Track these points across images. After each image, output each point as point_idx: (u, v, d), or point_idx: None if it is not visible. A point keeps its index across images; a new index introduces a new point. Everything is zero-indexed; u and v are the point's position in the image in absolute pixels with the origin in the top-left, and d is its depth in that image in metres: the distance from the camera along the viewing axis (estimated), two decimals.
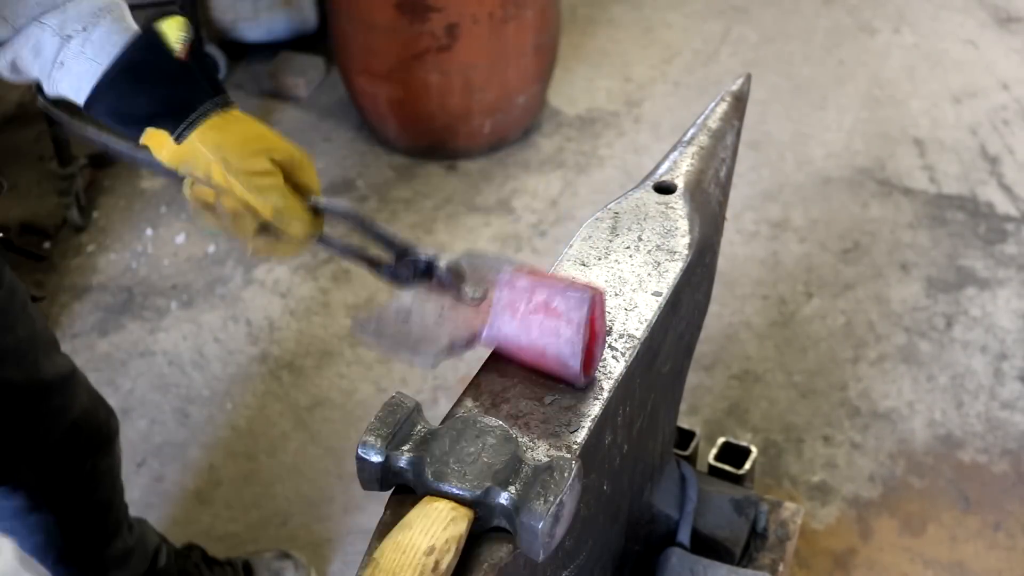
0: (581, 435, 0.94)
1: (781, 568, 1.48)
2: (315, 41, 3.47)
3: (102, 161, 3.06)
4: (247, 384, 2.41)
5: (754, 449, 1.62)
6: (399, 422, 0.90)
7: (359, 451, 0.88)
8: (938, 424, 2.25)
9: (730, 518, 1.46)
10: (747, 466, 1.60)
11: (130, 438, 2.30)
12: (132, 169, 3.06)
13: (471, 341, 1.02)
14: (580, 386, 0.98)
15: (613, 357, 1.02)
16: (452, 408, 0.97)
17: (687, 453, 1.58)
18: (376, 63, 2.92)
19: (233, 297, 2.63)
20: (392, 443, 0.88)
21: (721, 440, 1.66)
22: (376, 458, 0.88)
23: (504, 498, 0.84)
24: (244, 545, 2.08)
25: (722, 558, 1.41)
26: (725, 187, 1.30)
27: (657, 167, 1.24)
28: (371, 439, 0.88)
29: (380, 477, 0.89)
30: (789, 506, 1.57)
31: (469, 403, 0.98)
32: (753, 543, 1.49)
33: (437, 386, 2.38)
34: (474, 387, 1.00)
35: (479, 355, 1.32)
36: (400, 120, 3.02)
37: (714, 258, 1.30)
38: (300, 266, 2.71)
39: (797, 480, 2.15)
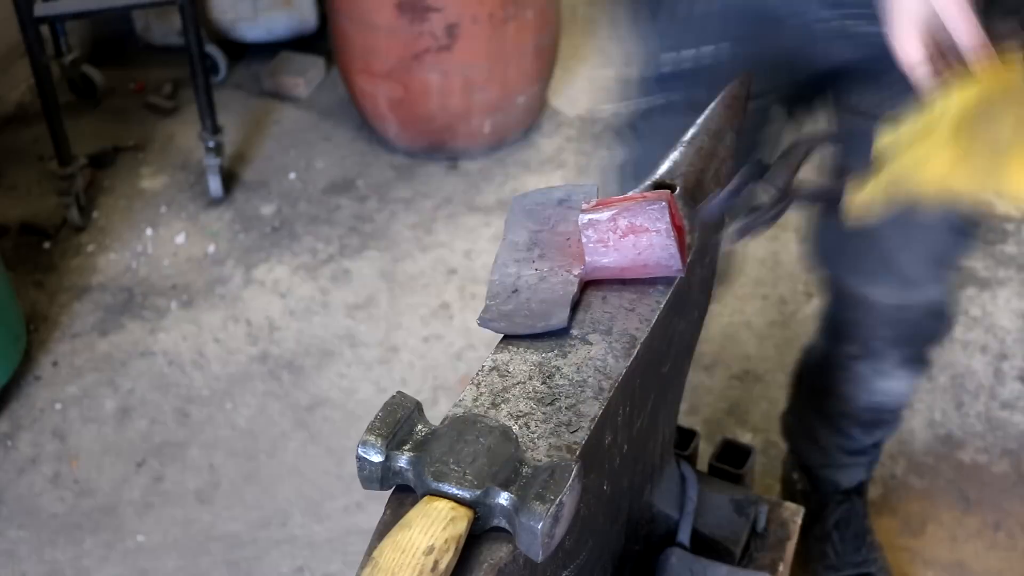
0: (581, 435, 0.94)
1: (781, 568, 1.48)
2: (315, 41, 3.47)
3: (102, 161, 3.06)
4: (247, 384, 2.41)
5: (754, 449, 1.62)
6: (399, 421, 0.90)
7: (359, 450, 0.88)
8: (938, 424, 2.25)
9: (730, 518, 1.46)
10: (747, 466, 1.60)
11: (130, 438, 2.30)
12: (131, 169, 3.06)
13: (579, 284, 1.09)
14: (681, 275, 1.09)
15: (613, 357, 1.02)
16: (452, 408, 0.97)
17: (687, 453, 1.58)
18: (376, 63, 2.92)
19: (233, 297, 2.63)
20: (392, 442, 0.89)
21: (721, 440, 1.66)
22: (376, 457, 0.88)
23: (504, 498, 0.85)
24: (244, 545, 2.08)
25: (722, 558, 1.41)
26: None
27: (657, 167, 1.24)
28: (371, 438, 0.88)
29: (380, 476, 0.89)
30: (789, 506, 1.57)
31: (469, 403, 0.97)
32: (753, 543, 1.49)
33: (437, 386, 2.38)
34: (474, 387, 1.00)
35: (479, 355, 1.34)
36: (400, 120, 3.02)
37: (714, 258, 1.30)
38: (300, 266, 2.71)
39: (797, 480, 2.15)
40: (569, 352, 1.02)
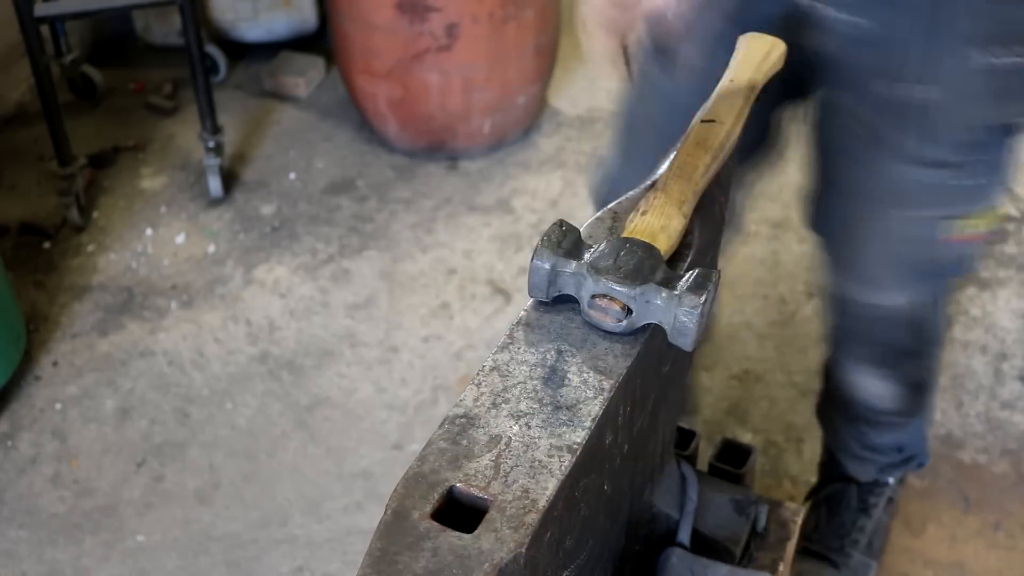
0: (582, 435, 0.94)
1: (781, 568, 1.48)
2: (315, 41, 3.47)
3: (102, 161, 3.07)
4: (247, 384, 2.41)
5: (754, 449, 1.62)
6: (565, 235, 1.04)
7: (534, 261, 1.01)
8: (938, 424, 2.25)
9: (730, 518, 1.46)
10: (747, 466, 1.60)
11: (130, 438, 2.30)
12: (131, 169, 3.06)
13: None
14: None
15: (614, 357, 1.02)
16: (452, 408, 0.97)
17: (687, 453, 1.58)
18: (376, 63, 2.92)
19: (233, 297, 2.63)
20: (559, 252, 1.02)
21: (721, 440, 1.66)
22: (546, 265, 1.01)
23: (662, 294, 0.98)
24: (244, 545, 2.08)
25: (722, 558, 1.41)
26: (725, 187, 1.30)
27: (657, 167, 1.24)
28: (543, 250, 1.01)
29: (547, 284, 1.01)
30: (789, 506, 1.57)
31: (469, 403, 0.98)
32: (753, 543, 1.49)
33: (437, 386, 2.38)
34: (474, 387, 1.00)
35: (479, 355, 1.34)
36: (400, 120, 3.02)
37: (714, 258, 1.30)
38: (300, 266, 2.71)
39: (797, 480, 2.15)
40: (569, 352, 1.02)
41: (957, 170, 1.40)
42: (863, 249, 1.56)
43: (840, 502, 1.97)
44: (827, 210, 1.62)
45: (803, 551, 1.92)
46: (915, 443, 1.94)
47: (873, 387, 1.76)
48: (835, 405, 1.89)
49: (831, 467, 2.00)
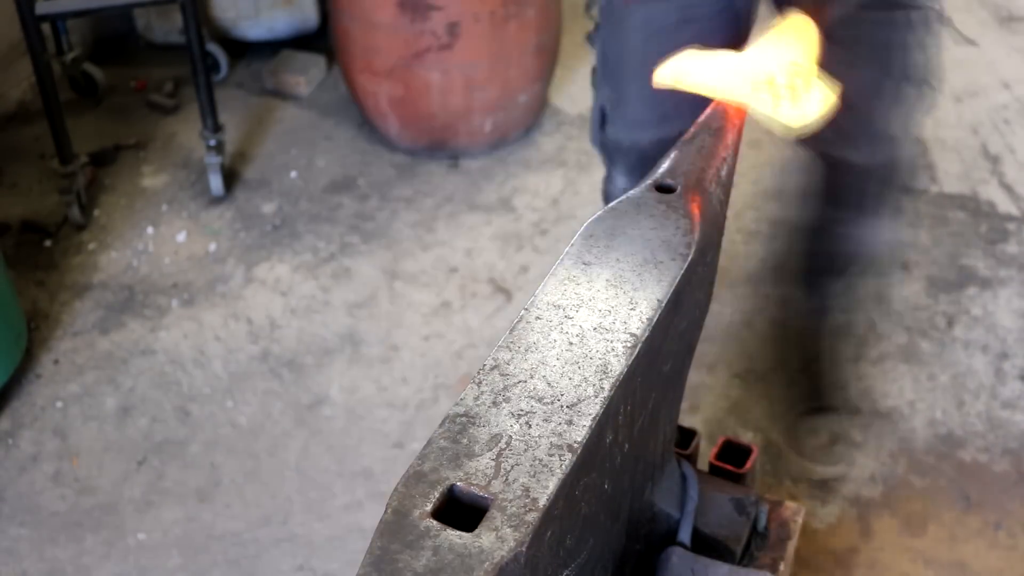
0: (582, 434, 0.94)
1: (782, 567, 1.48)
2: (316, 39, 3.47)
3: (103, 159, 3.07)
4: (248, 382, 2.41)
5: (755, 448, 1.62)
6: None
7: None
8: (939, 423, 2.25)
9: (731, 517, 1.46)
10: (748, 465, 1.60)
11: (131, 436, 2.30)
12: (132, 167, 3.06)
13: None
14: None
15: (614, 356, 1.02)
16: (453, 407, 0.97)
17: (688, 452, 1.58)
18: (377, 61, 2.92)
19: (234, 295, 2.63)
20: None
21: (722, 439, 1.66)
22: None
23: None
24: (245, 544, 2.08)
25: (723, 557, 1.41)
26: (726, 186, 1.30)
27: (658, 166, 1.25)
28: None
29: None
30: (790, 505, 1.57)
31: (470, 402, 0.98)
32: (754, 542, 1.50)
33: (438, 384, 2.38)
34: (475, 385, 1.00)
35: (480, 354, 1.34)
36: (401, 118, 3.02)
37: (715, 257, 1.30)
38: (301, 265, 2.71)
39: (798, 479, 2.15)
40: (570, 351, 1.02)
41: None
42: (878, 118, 1.79)
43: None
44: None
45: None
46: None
47: (879, 235, 1.99)
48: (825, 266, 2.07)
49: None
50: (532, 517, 0.86)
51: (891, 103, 1.80)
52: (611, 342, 1.03)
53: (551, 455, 0.92)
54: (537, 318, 1.06)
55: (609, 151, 1.95)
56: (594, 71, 1.95)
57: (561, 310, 1.07)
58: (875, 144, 1.84)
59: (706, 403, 2.30)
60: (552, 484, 0.89)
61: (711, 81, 1.33)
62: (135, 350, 2.49)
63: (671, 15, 1.70)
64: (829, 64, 1.75)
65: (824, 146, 1.88)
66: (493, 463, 0.91)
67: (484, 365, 1.02)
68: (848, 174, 1.90)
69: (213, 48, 3.31)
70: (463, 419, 0.95)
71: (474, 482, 0.88)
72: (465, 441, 0.92)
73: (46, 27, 3.00)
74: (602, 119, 1.91)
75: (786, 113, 1.32)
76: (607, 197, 2.04)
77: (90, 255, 2.76)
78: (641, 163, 1.87)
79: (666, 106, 1.75)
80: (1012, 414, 2.27)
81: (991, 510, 2.09)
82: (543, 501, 0.87)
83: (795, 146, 1.95)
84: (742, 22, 1.80)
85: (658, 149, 1.80)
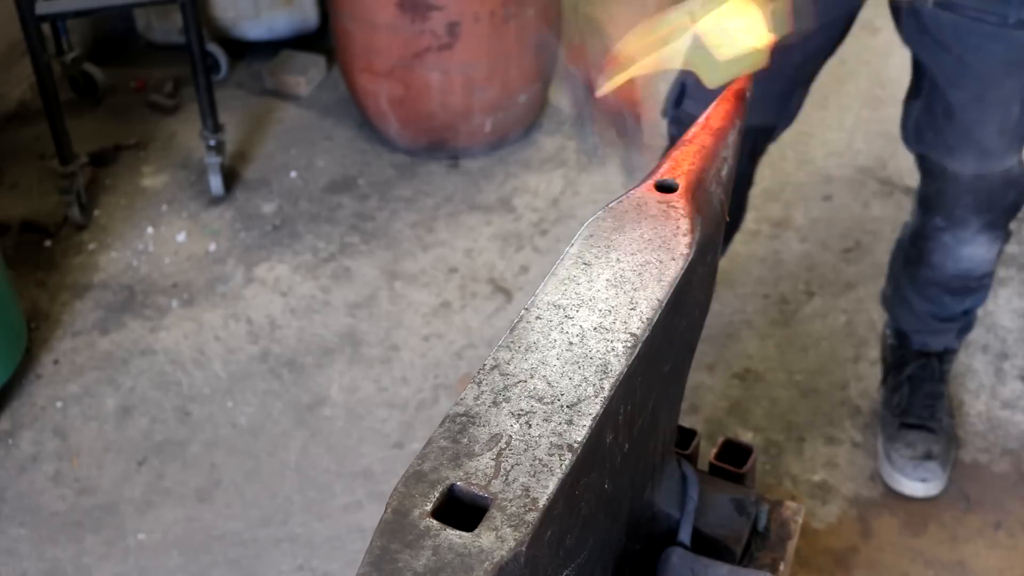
0: (583, 433, 0.94)
1: (782, 567, 1.48)
2: (316, 39, 3.47)
3: (103, 159, 3.07)
4: (248, 382, 2.41)
5: (755, 448, 1.62)
6: None
7: None
8: None
9: (731, 517, 1.46)
10: (748, 465, 1.60)
11: (131, 436, 2.30)
12: (132, 167, 3.07)
13: None
14: None
15: (614, 356, 1.02)
16: (453, 407, 0.97)
17: (688, 452, 1.58)
18: (377, 61, 2.92)
19: (234, 295, 2.63)
20: None
21: (722, 439, 1.66)
22: None
23: None
24: (245, 544, 2.08)
25: (723, 557, 1.41)
26: (727, 186, 1.30)
27: (659, 166, 1.24)
28: None
29: None
30: (790, 505, 1.57)
31: (470, 400, 0.98)
32: (754, 542, 1.49)
33: (438, 384, 2.38)
34: (475, 385, 1.00)
35: (480, 354, 1.34)
36: (401, 118, 3.02)
37: (715, 257, 1.30)
38: (301, 265, 2.71)
39: (798, 479, 2.15)
40: (570, 351, 1.02)
41: None
42: (980, 125, 1.78)
43: (923, 377, 2.18)
44: (933, 107, 1.83)
45: (900, 426, 2.15)
46: (977, 302, 2.15)
47: (978, 253, 2.01)
48: (916, 286, 2.12)
49: (903, 348, 2.23)
50: (532, 517, 0.86)
51: (996, 118, 1.78)
52: (611, 342, 1.03)
53: (551, 455, 0.92)
54: (537, 318, 1.06)
55: (683, 126, 1.94)
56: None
57: (561, 310, 1.07)
58: (977, 157, 1.84)
59: (706, 403, 2.30)
60: (552, 484, 0.89)
61: (652, 58, 1.27)
62: (135, 350, 2.49)
63: None
64: (937, 71, 1.77)
65: (927, 151, 1.92)
66: (493, 463, 0.90)
67: (484, 365, 1.02)
68: (949, 183, 1.92)
69: (213, 48, 3.31)
70: (463, 419, 0.95)
71: (474, 482, 0.88)
72: (465, 441, 0.92)
73: (46, 27, 3.00)
74: (680, 94, 1.89)
75: (727, 50, 1.22)
76: None
77: (90, 255, 2.76)
78: None
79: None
80: (1012, 414, 2.27)
81: (991, 510, 2.09)
82: (543, 501, 0.87)
83: (910, 153, 1.98)
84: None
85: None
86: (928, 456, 2.10)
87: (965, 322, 2.19)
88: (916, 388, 2.18)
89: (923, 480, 2.10)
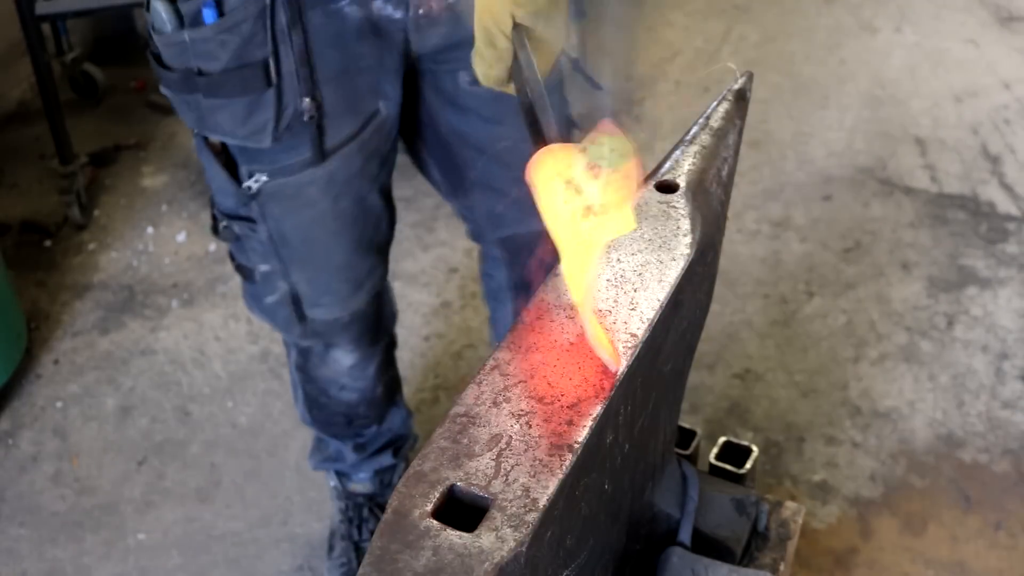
0: (583, 434, 0.94)
1: (782, 567, 1.48)
2: None
3: (103, 159, 3.07)
4: (248, 382, 2.41)
5: (755, 448, 1.62)
6: None
7: None
8: (939, 423, 2.25)
9: (731, 517, 1.46)
10: (748, 465, 1.60)
11: (131, 436, 2.30)
12: (132, 167, 3.06)
13: None
14: None
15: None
16: (453, 407, 0.97)
17: (688, 452, 1.58)
18: None
19: (234, 295, 2.63)
20: None
21: (722, 439, 1.66)
22: None
23: None
24: (245, 544, 2.08)
25: (723, 557, 1.41)
26: (727, 186, 1.30)
27: (659, 166, 1.24)
28: None
29: None
30: (790, 505, 1.57)
31: (470, 401, 0.98)
32: (754, 542, 1.49)
33: (438, 384, 2.38)
34: (475, 385, 1.00)
35: (480, 354, 1.33)
36: None
37: (716, 257, 1.30)
38: None
39: (798, 479, 2.15)
40: (570, 351, 1.02)
41: None
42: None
43: None
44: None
45: None
46: None
47: None
48: None
49: None
50: (532, 517, 0.86)
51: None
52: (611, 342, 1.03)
53: (551, 455, 0.92)
54: (537, 318, 1.06)
55: (322, 333, 1.75)
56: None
57: (561, 310, 1.07)
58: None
59: (706, 403, 2.30)
60: (552, 484, 0.89)
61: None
62: (135, 350, 2.49)
63: (355, 160, 1.55)
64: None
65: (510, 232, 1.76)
66: (493, 463, 0.90)
67: (484, 365, 1.02)
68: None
69: None
70: (463, 419, 0.94)
71: (474, 482, 0.88)
72: (465, 441, 0.92)
73: (46, 27, 3.00)
74: (297, 306, 1.69)
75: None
76: (320, 380, 1.88)
77: (90, 255, 2.76)
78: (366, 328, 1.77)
79: (368, 261, 1.67)
80: (1012, 414, 2.27)
81: (991, 510, 2.09)
82: (543, 501, 0.87)
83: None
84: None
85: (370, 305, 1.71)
86: None
87: None
88: None
89: None
